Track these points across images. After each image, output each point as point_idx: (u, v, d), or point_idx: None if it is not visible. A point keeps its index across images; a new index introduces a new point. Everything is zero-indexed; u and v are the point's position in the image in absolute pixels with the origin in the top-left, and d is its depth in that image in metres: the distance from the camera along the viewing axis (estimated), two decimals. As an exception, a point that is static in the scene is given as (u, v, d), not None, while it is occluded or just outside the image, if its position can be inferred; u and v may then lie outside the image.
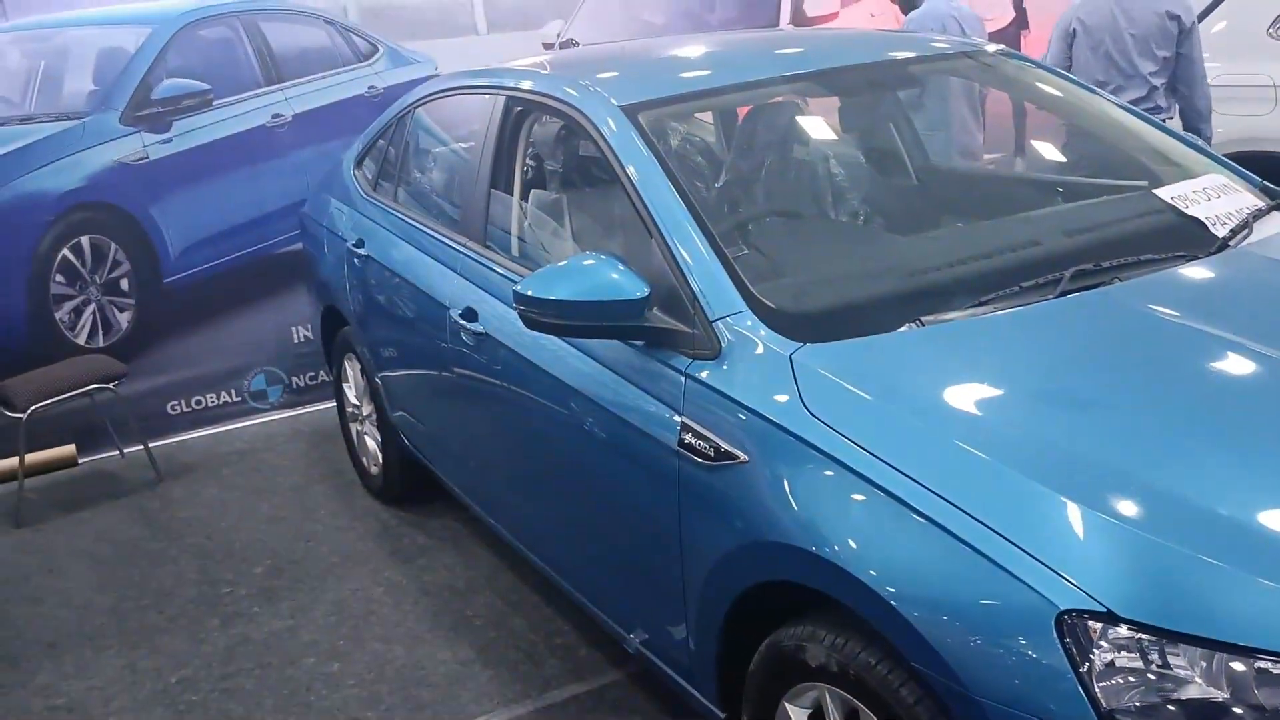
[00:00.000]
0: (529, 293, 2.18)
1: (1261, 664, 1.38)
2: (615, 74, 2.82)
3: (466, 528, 3.78)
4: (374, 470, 4.09)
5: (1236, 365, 1.86)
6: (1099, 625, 1.42)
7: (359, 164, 3.96)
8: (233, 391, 5.08)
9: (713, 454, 1.99)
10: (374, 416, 3.95)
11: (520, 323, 2.38)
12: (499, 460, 2.99)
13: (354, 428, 4.23)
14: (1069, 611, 1.44)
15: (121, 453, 4.73)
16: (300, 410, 5.13)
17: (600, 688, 2.87)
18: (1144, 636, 1.41)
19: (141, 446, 4.57)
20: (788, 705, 1.96)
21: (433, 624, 3.25)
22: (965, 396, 1.83)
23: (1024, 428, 1.73)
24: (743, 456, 1.93)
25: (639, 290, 2.11)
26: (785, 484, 1.84)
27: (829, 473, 1.77)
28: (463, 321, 2.87)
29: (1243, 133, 4.64)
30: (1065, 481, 1.58)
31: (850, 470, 1.74)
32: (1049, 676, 1.44)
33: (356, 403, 4.12)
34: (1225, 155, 4.54)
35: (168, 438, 4.88)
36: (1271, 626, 1.39)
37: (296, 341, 5.15)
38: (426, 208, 3.47)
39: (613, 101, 2.52)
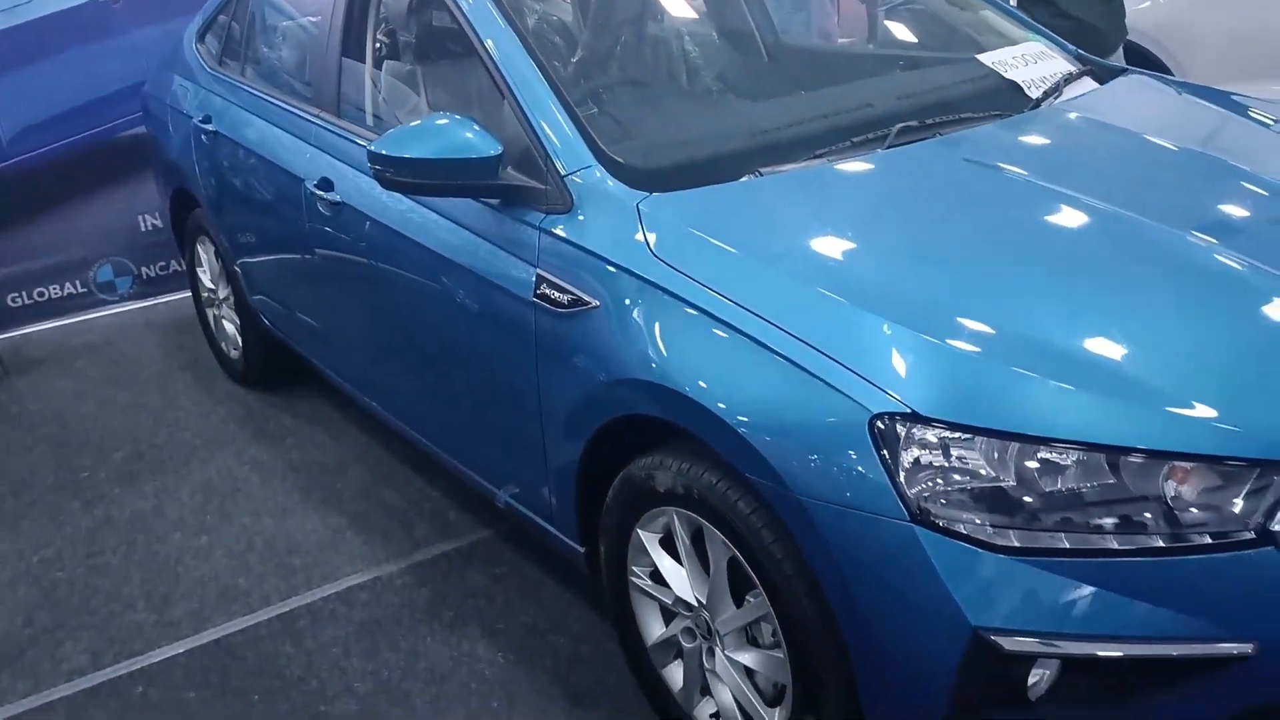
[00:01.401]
0: (383, 151, 2.21)
1: (1043, 454, 1.58)
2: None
3: (334, 408, 3.81)
4: (234, 355, 4.06)
5: (1040, 207, 2.06)
6: (906, 425, 1.60)
7: (200, 38, 3.83)
8: (78, 283, 4.91)
9: (566, 302, 2.09)
10: (231, 300, 3.91)
11: (377, 189, 2.41)
12: (363, 332, 3.03)
13: (210, 313, 4.17)
14: (880, 415, 1.61)
15: (-39, 349, 4.55)
16: (153, 301, 5.00)
17: (470, 544, 3.00)
18: (945, 434, 1.60)
19: (-16, 341, 4.42)
20: (640, 532, 2.11)
21: (302, 498, 3.30)
22: (797, 236, 1.98)
23: (848, 262, 1.90)
24: (594, 302, 2.04)
25: (491, 148, 2.17)
26: (633, 324, 1.96)
27: (673, 310, 1.90)
28: (319, 192, 2.87)
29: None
30: (881, 304, 1.75)
31: (692, 306, 1.87)
32: (864, 474, 1.62)
33: (212, 286, 4.05)
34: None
35: (10, 331, 4.71)
36: (1054, 420, 1.58)
37: (144, 230, 4.97)
38: (275, 80, 3.40)
39: (464, -35, 2.52)
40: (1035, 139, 2.38)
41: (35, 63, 4.62)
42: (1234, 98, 2.76)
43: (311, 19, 3.26)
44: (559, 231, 2.14)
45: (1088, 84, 2.67)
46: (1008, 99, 2.51)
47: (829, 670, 1.75)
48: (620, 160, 2.16)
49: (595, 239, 2.07)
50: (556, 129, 2.19)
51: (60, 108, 4.71)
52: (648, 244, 1.99)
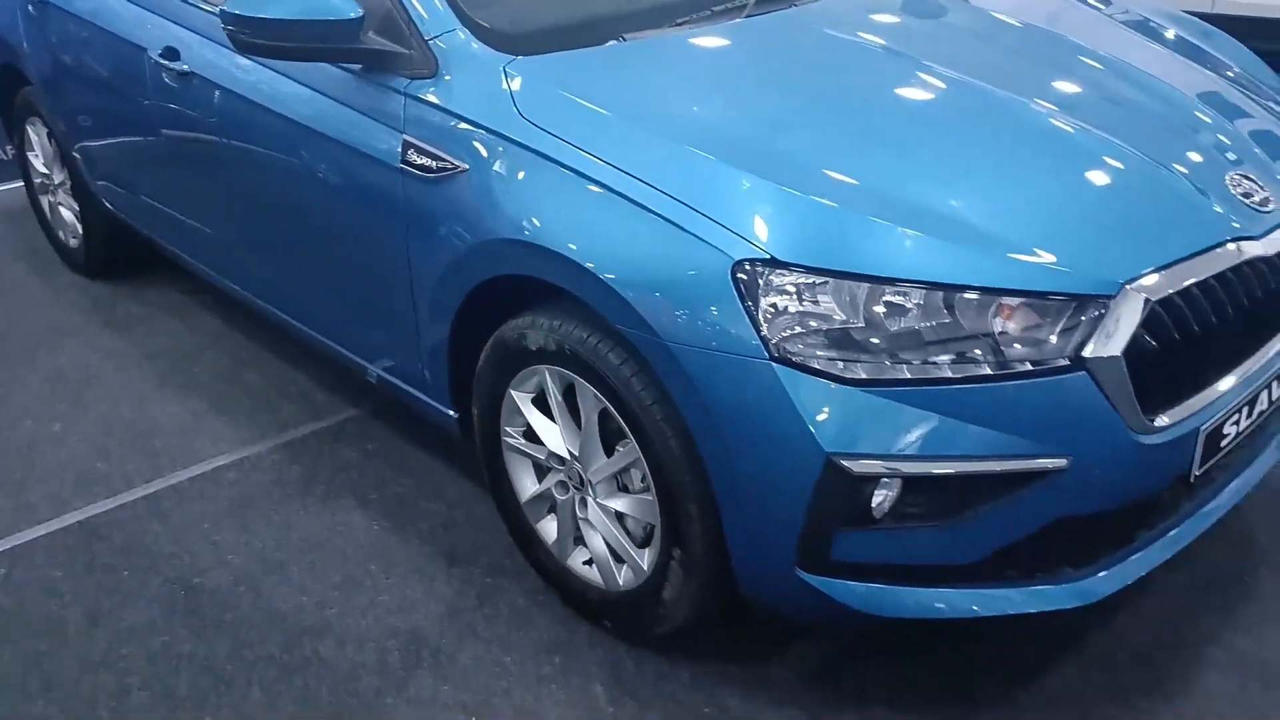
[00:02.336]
0: (238, 11, 2.15)
1: (888, 296, 1.71)
2: None
3: (186, 294, 3.71)
4: (74, 244, 3.88)
5: (893, 73, 2.18)
6: (765, 271, 1.71)
7: (23, -101, 3.55)
8: (-110, 174, 4.57)
9: (434, 167, 2.10)
10: (68, 185, 3.72)
11: (229, 57, 2.34)
12: (219, 211, 2.95)
13: (46, 200, 3.96)
14: (741, 261, 1.72)
15: None
16: (-20, 192, 4.70)
17: (339, 423, 3.01)
18: (801, 279, 1.71)
19: None
20: (513, 393, 2.18)
21: (160, 384, 3.23)
22: (661, 98, 2.05)
23: (711, 122, 1.98)
24: (462, 166, 2.06)
25: (352, 10, 2.13)
26: (502, 186, 2.00)
27: (542, 170, 1.94)
28: (164, 62, 2.75)
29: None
30: (743, 159, 1.84)
31: (560, 165, 1.92)
32: (727, 318, 1.73)
33: (45, 171, 3.85)
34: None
35: None
36: (898, 263, 1.72)
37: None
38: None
39: None
40: (890, 12, 2.49)
41: None
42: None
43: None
44: (424, 96, 2.13)
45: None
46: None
47: (695, 504, 1.88)
48: (485, 24, 2.16)
49: (461, 102, 2.08)
50: (420, -9, 2.18)
51: None
52: (515, 105, 2.01)
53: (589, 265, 1.85)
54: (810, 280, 1.72)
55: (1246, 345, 1.94)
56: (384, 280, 2.35)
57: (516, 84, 2.04)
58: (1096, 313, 1.71)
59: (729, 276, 1.72)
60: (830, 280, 1.72)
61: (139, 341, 3.47)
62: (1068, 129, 2.01)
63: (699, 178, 1.82)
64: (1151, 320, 1.73)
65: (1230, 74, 2.46)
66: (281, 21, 2.14)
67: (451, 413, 2.40)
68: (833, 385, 1.71)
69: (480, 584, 2.40)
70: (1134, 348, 1.72)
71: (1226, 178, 1.94)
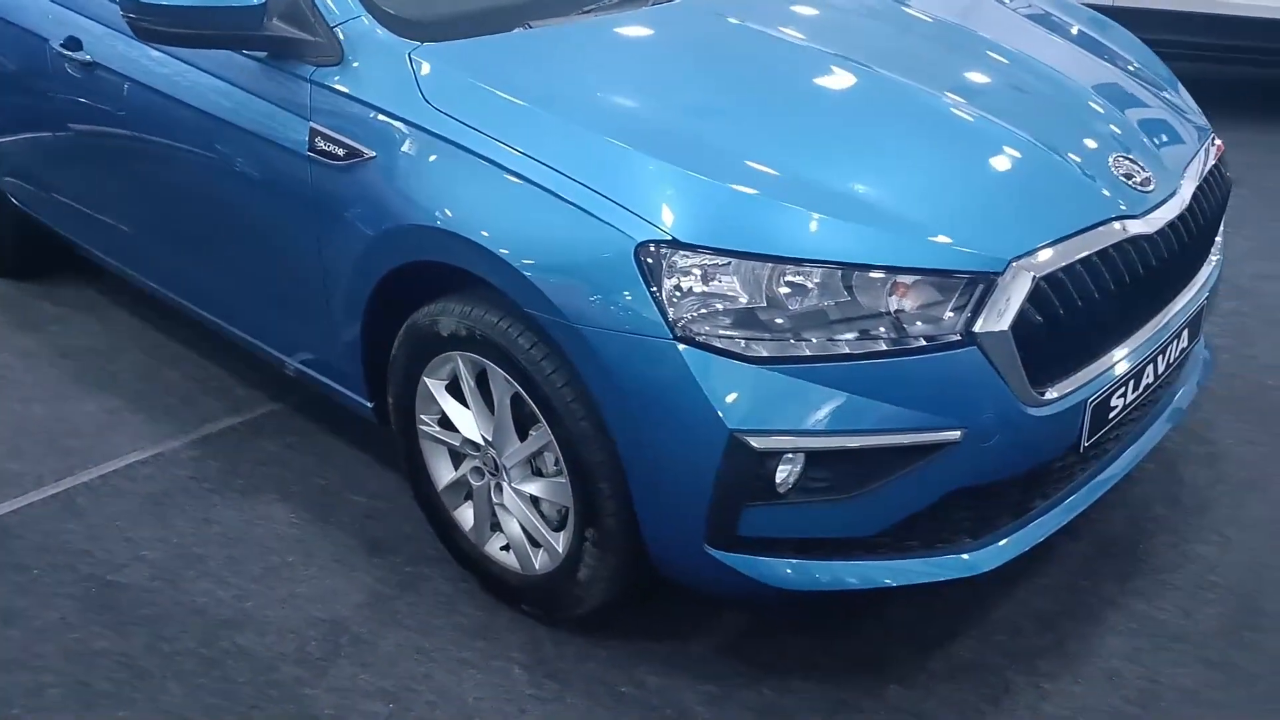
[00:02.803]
0: (140, -2, 2.13)
1: (790, 276, 1.76)
2: None
3: (101, 292, 3.64)
4: (-15, 243, 3.78)
5: (801, 62, 2.23)
6: (669, 252, 1.74)
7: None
8: None
9: (342, 154, 2.10)
10: (-27, 182, 3.63)
11: (134, 47, 2.31)
12: (130, 205, 2.91)
13: (-49, 198, 3.85)
14: (644, 243, 1.75)
15: None
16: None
17: (260, 417, 2.99)
18: (704, 260, 1.75)
19: None
20: (426, 380, 2.19)
21: (75, 383, 3.17)
22: (566, 83, 2.08)
23: (616, 106, 2.02)
24: (370, 153, 2.06)
25: (256, -2, 2.13)
26: (410, 172, 2.01)
27: (449, 156, 1.96)
28: (66, 52, 2.71)
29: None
30: (648, 144, 1.87)
31: (468, 151, 1.93)
32: (632, 299, 1.76)
33: (-49, 168, 3.74)
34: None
35: None
36: (799, 244, 1.77)
37: None
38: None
39: None
40: (797, 2, 2.54)
41: None
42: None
43: None
44: (331, 84, 2.14)
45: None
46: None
47: (607, 483, 1.91)
48: (391, 11, 2.17)
49: (367, 89, 2.09)
50: (323, -24, 2.17)
51: None
52: (421, 92, 2.02)
53: (499, 251, 1.87)
54: (713, 261, 1.75)
55: (1133, 321, 2.02)
56: (297, 271, 2.34)
57: (423, 70, 2.05)
58: (986, 289, 1.77)
59: (633, 258, 1.75)
60: (732, 261, 1.76)
61: (53, 341, 3.40)
62: (964, 116, 2.08)
63: (603, 162, 1.85)
64: (1038, 296, 1.80)
65: (1124, 65, 2.55)
66: (183, 8, 2.13)
67: (368, 403, 2.40)
68: (736, 364, 1.75)
69: (402, 573, 2.41)
70: (1022, 323, 1.79)
71: (1110, 160, 2.01)
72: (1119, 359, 1.98)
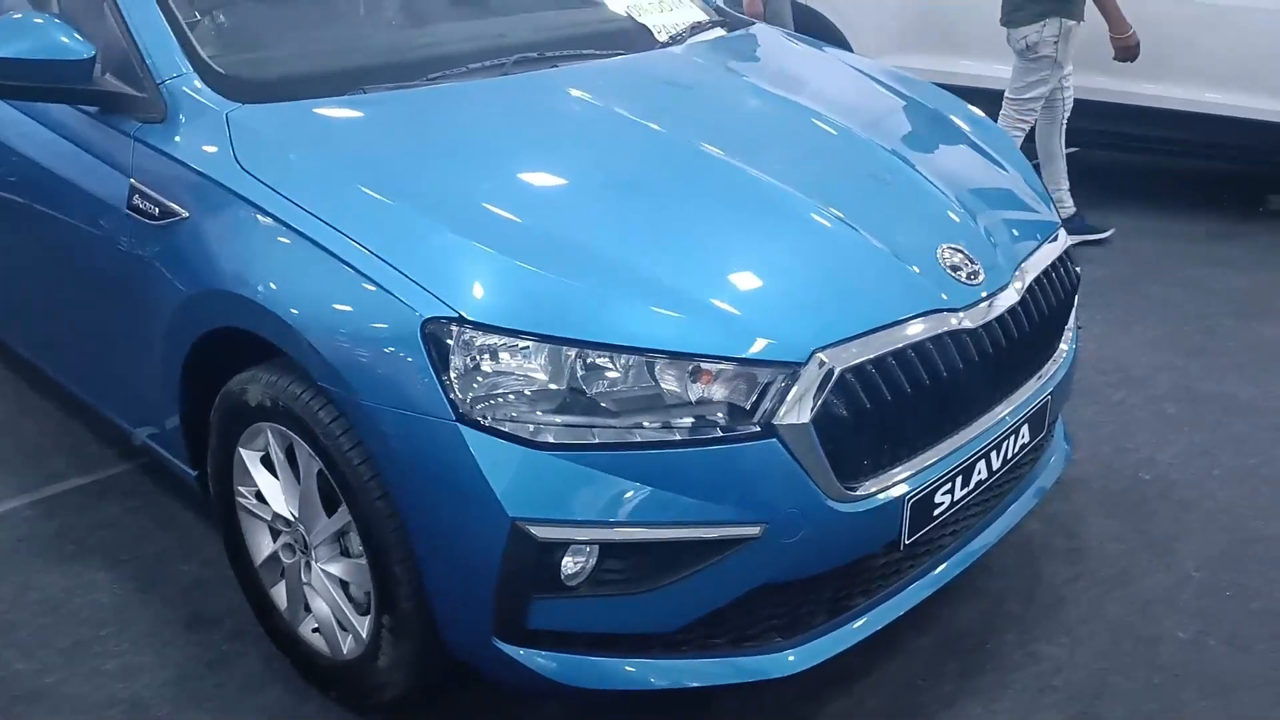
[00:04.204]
0: (-36, 50, 2.07)
1: (584, 357, 1.69)
2: None
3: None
4: None
5: (622, 135, 2.19)
6: (455, 330, 1.67)
7: None
8: None
9: (157, 213, 2.04)
10: None
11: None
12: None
13: None
14: (431, 319, 1.68)
15: None
16: None
17: (108, 478, 2.88)
18: (491, 339, 1.68)
19: None
20: (241, 450, 2.10)
21: (-77, 433, 3.06)
22: (382, 152, 2.03)
23: (427, 178, 1.95)
24: (184, 213, 2.00)
25: (84, 51, 2.08)
26: (217, 235, 1.95)
27: (253, 220, 1.90)
28: (-79, 99, 2.64)
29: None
30: (450, 219, 1.81)
31: (269, 215, 1.87)
32: (416, 377, 1.69)
33: None
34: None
35: None
36: (595, 327, 1.70)
37: None
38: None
39: None
40: (645, 77, 2.52)
41: None
42: (857, 59, 3.02)
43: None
44: (152, 141, 2.08)
45: (717, 33, 2.84)
46: (636, 40, 2.64)
47: (400, 566, 1.82)
48: (220, 70, 2.12)
49: (185, 149, 2.03)
50: (152, 33, 2.13)
51: None
52: (234, 154, 1.97)
53: (291, 320, 1.80)
54: (502, 341, 1.69)
55: (958, 416, 1.96)
56: (119, 333, 2.26)
57: (238, 131, 2.00)
58: (787, 380, 1.71)
59: (419, 334, 1.68)
60: (522, 342, 1.69)
61: (-89, 388, 3.29)
62: (783, 196, 2.03)
63: (400, 235, 1.79)
64: (844, 388, 1.74)
65: (974, 152, 2.50)
66: (12, 61, 2.07)
67: (191, 471, 2.31)
68: (522, 449, 1.67)
69: (217, 650, 2.29)
70: (825, 415, 1.72)
71: (938, 251, 1.97)
72: (941, 455, 1.91)
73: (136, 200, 2.07)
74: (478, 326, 1.67)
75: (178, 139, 2.04)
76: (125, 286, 2.17)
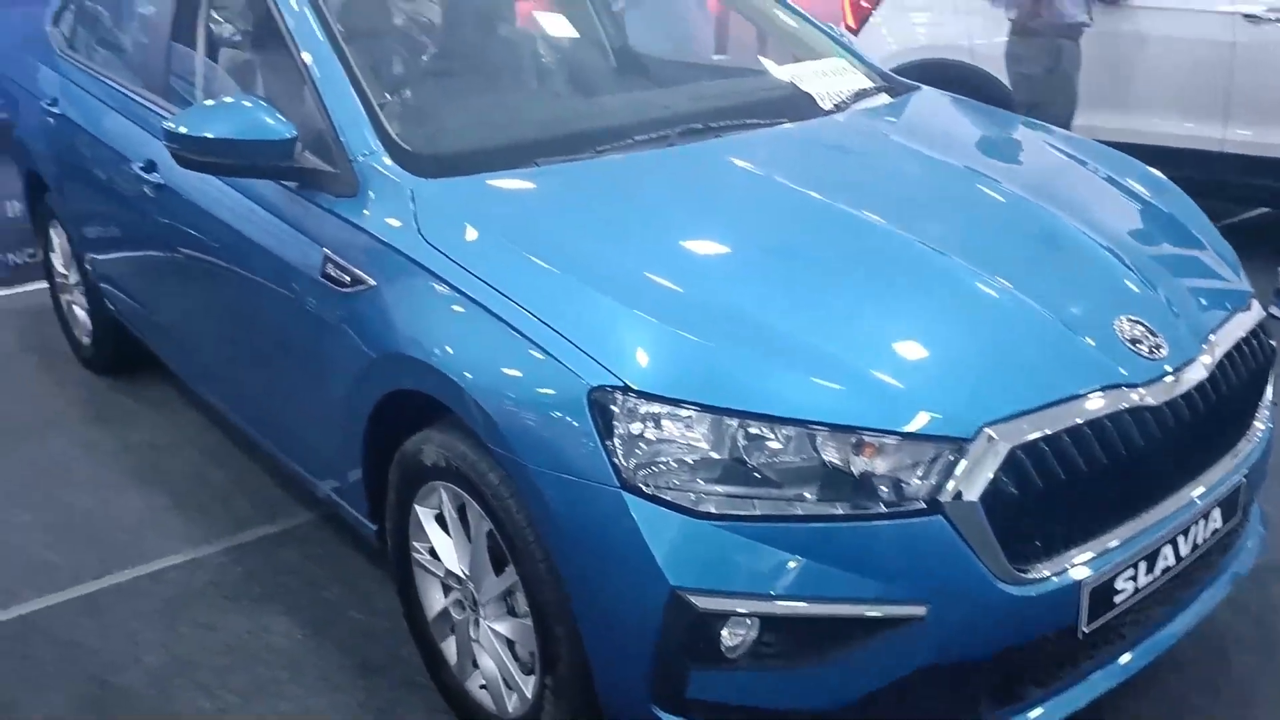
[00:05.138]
0: (181, 129, 2.28)
1: (747, 428, 1.70)
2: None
3: (177, 391, 3.81)
4: (85, 340, 4.04)
5: (788, 205, 2.20)
6: (621, 398, 1.71)
7: (55, 20, 3.84)
8: (-61, 268, 4.84)
9: (348, 281, 2.17)
10: (81, 285, 3.90)
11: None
12: (184, 315, 3.07)
13: (64, 299, 4.15)
14: (597, 387, 1.72)
15: None
16: (19, 289, 4.94)
17: (290, 528, 3.04)
18: (656, 408, 1.71)
19: None
20: (417, 508, 2.19)
21: (130, 477, 3.32)
22: (555, 224, 2.10)
23: (596, 248, 2.01)
24: (371, 281, 2.12)
25: (287, 131, 2.24)
26: (399, 302, 2.05)
27: (433, 288, 2.00)
28: (143, 174, 2.91)
29: (930, 40, 5.12)
30: (614, 287, 1.86)
31: (447, 284, 1.97)
32: (582, 443, 1.73)
33: (64, 272, 4.04)
34: (915, 60, 5.02)
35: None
36: (759, 398, 1.71)
37: (11, 216, 4.92)
38: (116, 64, 3.43)
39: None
40: (809, 145, 2.53)
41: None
42: (1025, 122, 2.95)
43: (150, 6, 3.30)
44: (344, 214, 2.22)
45: (882, 99, 2.83)
46: (800, 108, 2.66)
47: (562, 628, 1.85)
48: (406, 147, 2.25)
49: (373, 221, 2.16)
50: (347, 113, 2.28)
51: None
52: (417, 226, 2.08)
53: (464, 384, 1.88)
54: (666, 410, 1.71)
55: (1141, 497, 1.86)
56: (306, 390, 2.41)
57: (421, 205, 2.11)
58: (955, 456, 1.67)
59: (585, 401, 1.73)
60: (687, 411, 1.71)
61: (120, 434, 3.58)
62: (947, 264, 1.99)
63: (567, 302, 1.85)
64: (1014, 466, 1.68)
65: (1157, 220, 2.40)
66: (221, 141, 2.25)
67: (371, 525, 2.42)
68: (685, 518, 1.68)
69: (385, 698, 2.38)
70: (995, 494, 1.67)
71: (1116, 323, 1.89)
72: (1123, 539, 1.82)
73: (329, 269, 2.21)
74: (642, 395, 1.70)
75: (367, 212, 2.18)
76: (315, 348, 2.31)
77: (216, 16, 3.01)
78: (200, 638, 2.59)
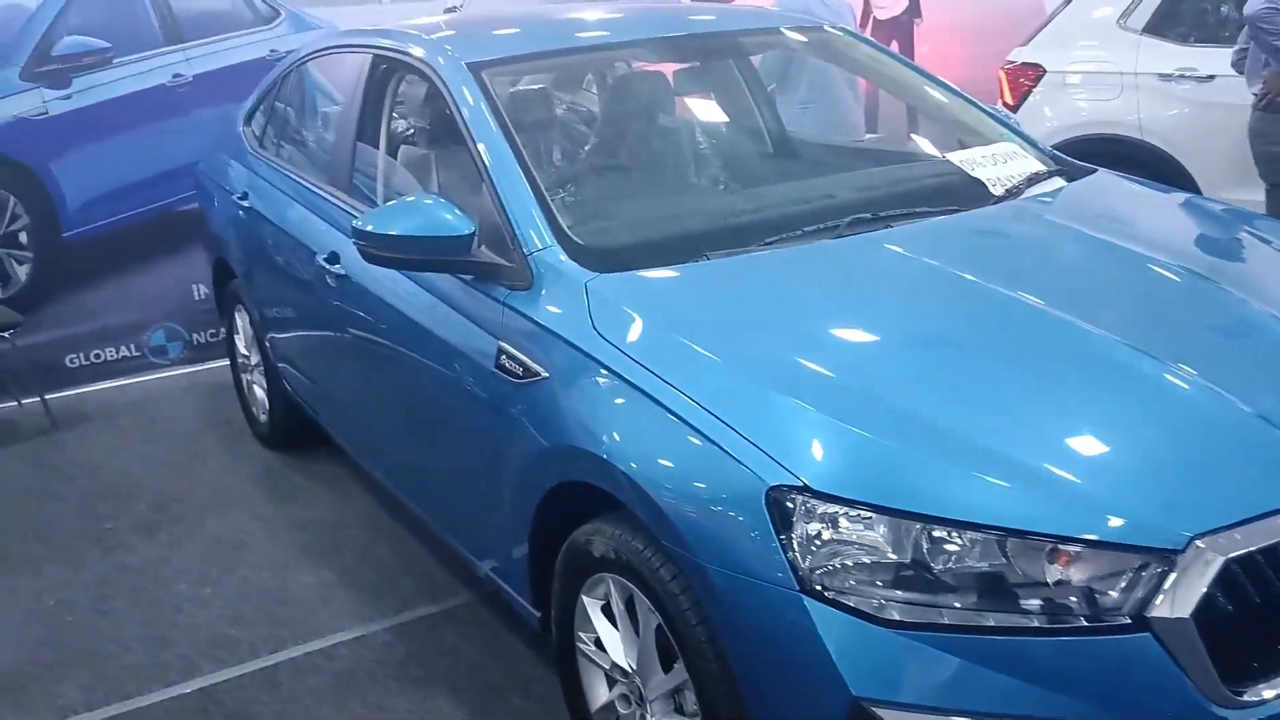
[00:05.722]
0: (368, 228, 2.40)
1: (933, 532, 1.64)
2: (465, 36, 3.02)
3: (345, 469, 3.97)
4: (262, 418, 4.26)
5: (968, 300, 2.14)
6: (800, 499, 1.68)
7: (248, 120, 4.13)
8: (132, 346, 5.19)
9: (521, 372, 2.22)
10: (261, 366, 4.12)
11: (374, 261, 2.57)
12: (360, 396, 3.20)
13: (244, 378, 4.39)
14: (776, 487, 1.70)
15: (19, 402, 4.82)
16: (200, 366, 5.25)
17: (452, 607, 3.09)
18: (837, 509, 1.67)
19: (39, 398, 4.68)
20: (584, 598, 2.20)
21: (301, 553, 3.45)
22: (728, 318, 2.10)
23: (771, 344, 2.00)
24: (544, 373, 2.17)
25: (466, 227, 2.34)
26: (572, 394, 2.08)
27: (604, 381, 2.02)
28: (327, 265, 3.07)
29: (1094, 115, 4.98)
30: (791, 385, 1.84)
31: (620, 378, 1.99)
32: (759, 544, 1.70)
33: (246, 352, 4.29)
34: (1078, 136, 4.88)
35: (66, 390, 4.98)
36: (946, 501, 1.65)
37: (198, 298, 5.25)
38: (303, 161, 3.65)
39: (460, 60, 2.74)
40: (982, 234, 2.47)
41: (106, 138, 4.97)
42: (1207, 203, 2.82)
43: (337, 106, 3.51)
44: (519, 307, 2.28)
45: (1056, 183, 2.75)
46: (969, 195, 2.60)
47: (733, 733, 1.81)
48: (579, 241, 2.31)
49: (547, 314, 2.21)
50: (522, 209, 2.36)
51: (125, 181, 5.05)
52: (590, 319, 2.12)
53: (635, 477, 1.88)
54: (848, 512, 1.67)
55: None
56: (479, 476, 2.46)
57: (595, 300, 2.15)
58: (1164, 569, 1.57)
59: (762, 500, 1.70)
60: (870, 514, 1.66)
61: (292, 512, 3.73)
62: (1132, 356, 1.90)
63: (741, 397, 1.84)
64: (1230, 580, 1.57)
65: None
66: (405, 237, 2.36)
67: (535, 611, 2.43)
68: (867, 625, 1.63)
69: (547, 788, 2.37)
70: (1208, 609, 1.56)
71: None
72: (1351, 658, 1.67)
73: (503, 360, 2.27)
74: (824, 496, 1.67)
75: (542, 305, 2.23)
76: (486, 434, 2.36)
77: (397, 115, 3.19)
78: (369, 716, 2.64)
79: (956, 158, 2.75)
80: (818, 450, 1.73)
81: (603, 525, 2.07)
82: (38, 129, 4.81)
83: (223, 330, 5.16)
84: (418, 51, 2.86)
